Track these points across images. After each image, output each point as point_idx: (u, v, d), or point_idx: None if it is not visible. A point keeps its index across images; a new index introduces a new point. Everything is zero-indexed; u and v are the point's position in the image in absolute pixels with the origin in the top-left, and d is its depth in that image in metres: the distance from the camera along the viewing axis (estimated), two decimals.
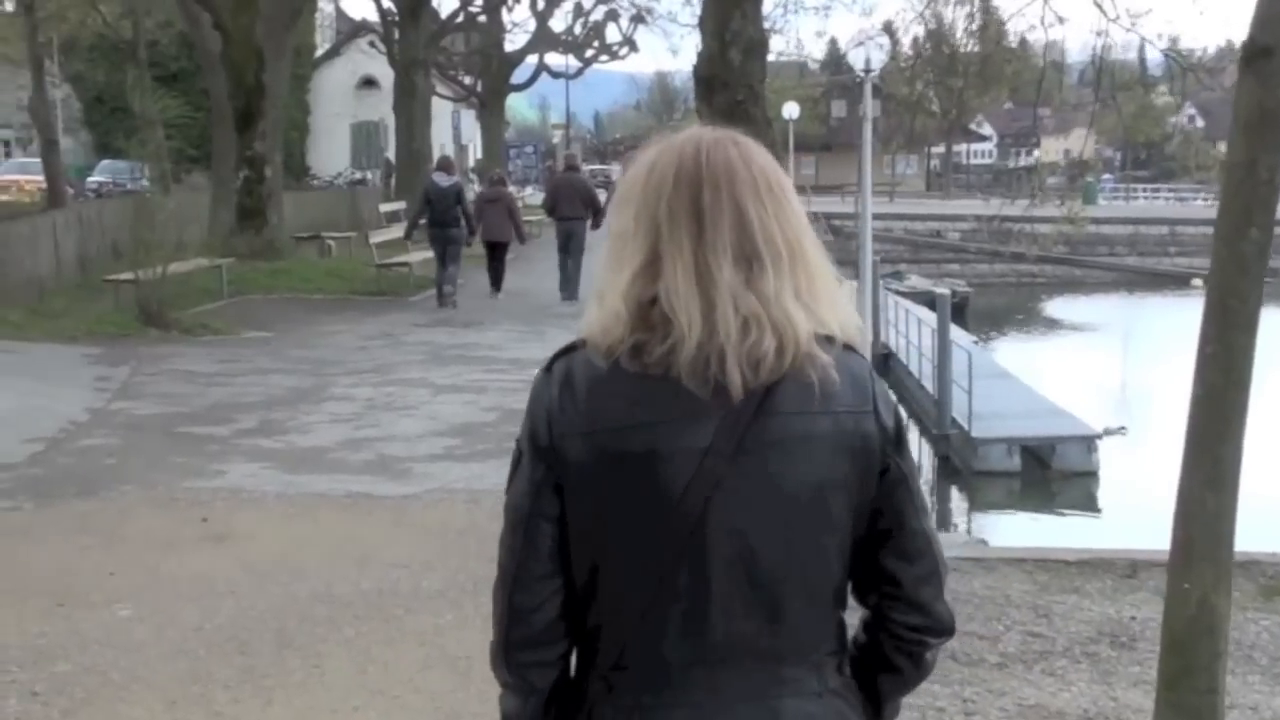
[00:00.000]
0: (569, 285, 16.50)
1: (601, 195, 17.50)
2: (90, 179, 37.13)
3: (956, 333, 17.49)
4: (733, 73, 6.23)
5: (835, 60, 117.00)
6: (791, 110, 39.25)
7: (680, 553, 1.54)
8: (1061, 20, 12.63)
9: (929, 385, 17.79)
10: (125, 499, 7.28)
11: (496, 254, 17.23)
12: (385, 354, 12.65)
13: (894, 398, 1.90)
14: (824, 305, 1.59)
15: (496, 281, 17.28)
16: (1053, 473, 15.65)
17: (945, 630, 1.66)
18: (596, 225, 16.28)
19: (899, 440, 1.62)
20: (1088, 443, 15.72)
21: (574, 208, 16.61)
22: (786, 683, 1.58)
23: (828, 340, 1.57)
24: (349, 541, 6.50)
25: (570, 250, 16.56)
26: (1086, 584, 6.46)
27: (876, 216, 50.22)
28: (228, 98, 17.99)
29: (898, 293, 26.57)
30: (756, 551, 1.55)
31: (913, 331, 20.93)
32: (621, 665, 1.59)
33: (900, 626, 1.64)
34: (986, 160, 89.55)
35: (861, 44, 15.10)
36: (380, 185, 35.36)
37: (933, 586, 1.64)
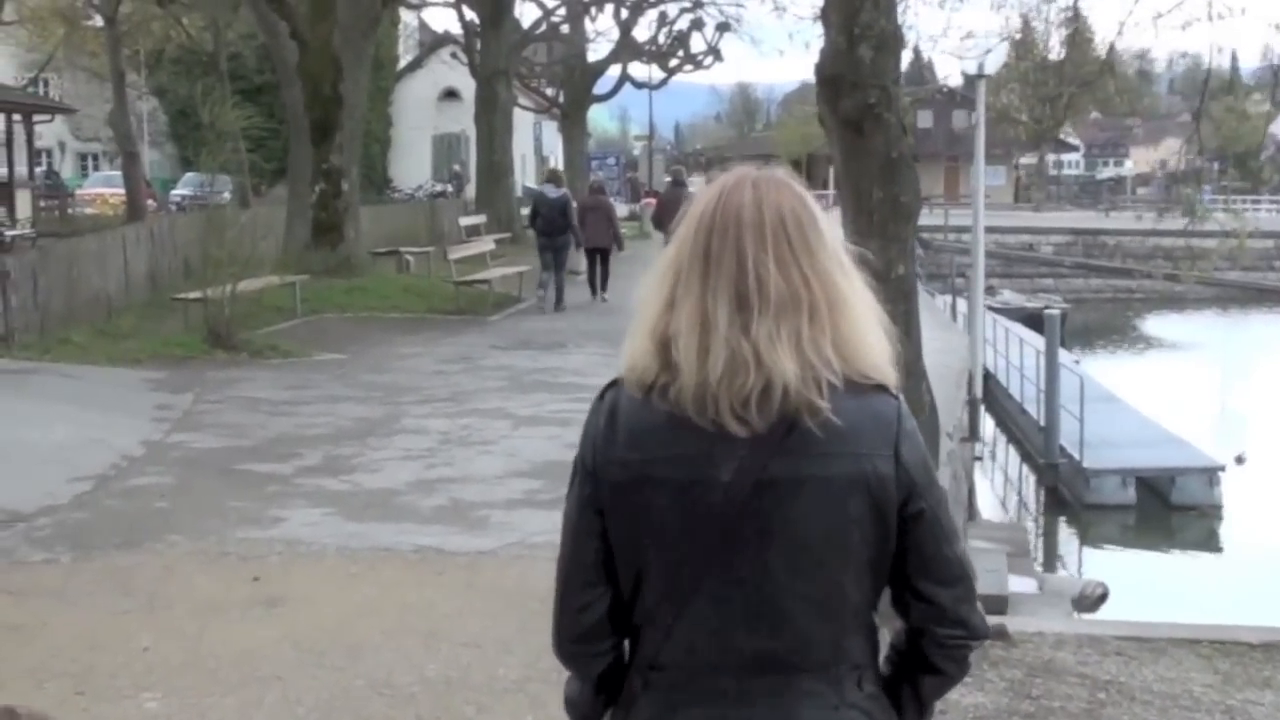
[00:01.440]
0: None
1: None
2: (174, 192, 37.19)
3: (1062, 354, 16.50)
4: (863, 72, 5.32)
5: (918, 70, 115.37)
6: None
7: (702, 573, 1.67)
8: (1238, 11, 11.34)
9: (1033, 410, 16.76)
10: (172, 552, 6.56)
11: (598, 259, 17.94)
12: (462, 380, 11.90)
13: (921, 438, 1.79)
14: (848, 346, 1.67)
15: (603, 283, 17.88)
16: (1172, 507, 14.59)
17: (984, 636, 1.79)
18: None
19: (927, 480, 1.71)
20: (1209, 475, 14.65)
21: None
22: (805, 694, 1.69)
23: (853, 383, 1.66)
24: (415, 610, 5.69)
25: None
26: (1278, 674, 5.47)
27: (964, 229, 48.91)
28: (304, 109, 17.44)
29: (993, 309, 25.45)
30: (774, 578, 1.67)
31: (1013, 352, 19.84)
32: (657, 665, 1.72)
33: (946, 639, 1.76)
34: (1074, 171, 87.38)
35: (976, 48, 14.11)
36: (452, 198, 34.89)
37: (969, 603, 1.76)
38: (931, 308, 21.23)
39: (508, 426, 9.75)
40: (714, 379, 1.64)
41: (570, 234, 17.02)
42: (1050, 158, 75.74)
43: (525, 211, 22.51)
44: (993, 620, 6.37)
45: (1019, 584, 9.81)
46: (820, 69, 5.82)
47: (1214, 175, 71.78)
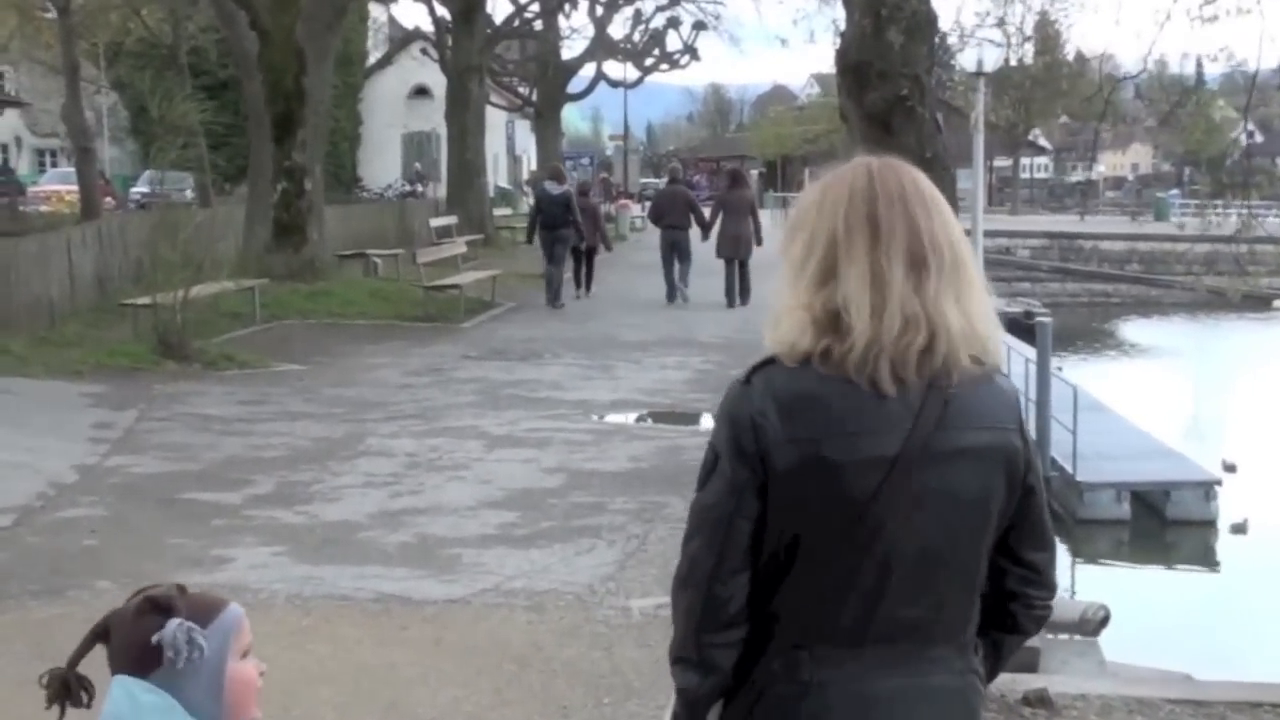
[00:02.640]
0: (680, 287, 17.95)
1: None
2: (134, 190, 36.08)
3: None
4: (892, 59, 4.58)
5: None
6: None
7: (866, 545, 1.72)
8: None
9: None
10: (99, 601, 5.72)
11: (585, 257, 18.57)
12: (432, 394, 11.09)
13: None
14: (978, 315, 1.77)
15: (587, 282, 18.65)
16: (1168, 522, 14.06)
17: (1056, 593, 1.94)
18: (705, 236, 17.79)
19: (1033, 455, 1.83)
20: (1206, 489, 14.11)
21: (679, 217, 17.89)
22: (936, 661, 1.78)
23: (979, 363, 1.76)
24: (374, 675, 4.91)
25: (678, 257, 17.95)
26: None
27: None
28: (265, 104, 16.55)
29: None
30: (929, 549, 1.75)
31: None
32: (800, 644, 1.76)
33: (1037, 600, 1.90)
34: (1043, 174, 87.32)
35: (976, 44, 13.41)
36: (422, 198, 34.00)
37: (1054, 564, 1.93)
38: None
39: (480, 448, 8.96)
40: (888, 336, 1.70)
41: (572, 229, 17.51)
42: (1024, 161, 75.52)
43: (500, 211, 22.00)
44: (1030, 680, 5.65)
45: None
46: (842, 56, 5.05)
47: (1185, 180, 71.96)
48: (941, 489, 1.72)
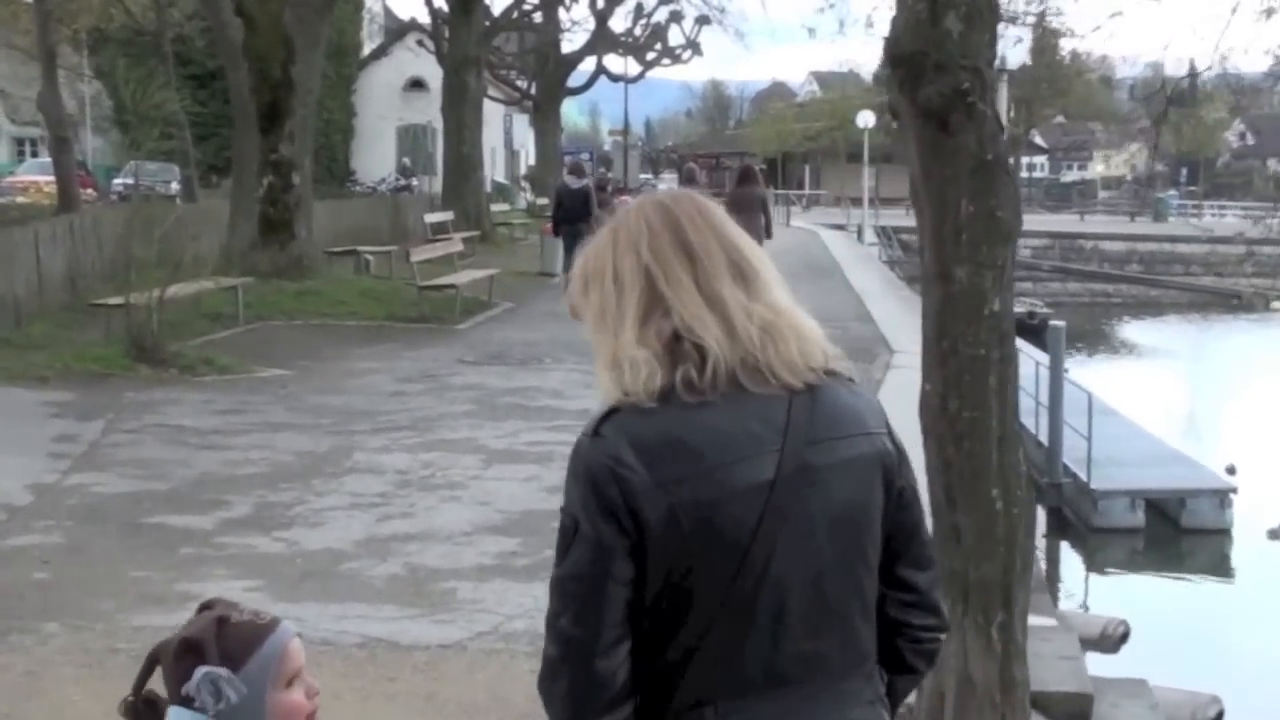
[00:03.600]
0: None
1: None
2: (116, 181, 35.26)
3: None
4: (950, 49, 3.83)
5: (887, 70, 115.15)
6: (867, 119, 36.65)
7: (758, 582, 1.59)
8: None
9: (1031, 425, 15.61)
10: (44, 648, 5.03)
11: None
12: (425, 402, 10.36)
13: None
14: (814, 323, 1.71)
15: None
16: (1182, 530, 13.53)
17: (947, 626, 1.82)
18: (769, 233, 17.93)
19: (905, 458, 1.72)
20: (1221, 496, 13.64)
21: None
22: (848, 695, 1.66)
23: (831, 372, 1.69)
24: None
25: None
26: None
27: None
28: (251, 94, 15.77)
29: None
30: (825, 574, 1.63)
31: None
32: (702, 701, 1.61)
33: (920, 630, 1.74)
34: (1039, 174, 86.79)
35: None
36: (416, 192, 33.26)
37: (938, 590, 1.77)
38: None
39: (478, 463, 8.24)
40: (750, 346, 1.62)
41: (590, 222, 17.63)
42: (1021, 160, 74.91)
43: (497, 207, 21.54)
44: None
45: (1037, 622, 8.65)
46: (893, 45, 4.35)
47: (1181, 181, 71.36)
48: (826, 508, 1.63)
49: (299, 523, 6.83)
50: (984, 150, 4.36)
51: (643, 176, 57.29)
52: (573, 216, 18.09)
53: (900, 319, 17.44)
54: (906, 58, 4.34)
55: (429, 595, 5.75)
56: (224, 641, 1.68)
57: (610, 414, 1.62)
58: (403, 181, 39.34)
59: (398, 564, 6.18)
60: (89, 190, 30.14)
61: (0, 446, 8.11)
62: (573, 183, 18.91)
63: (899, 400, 11.07)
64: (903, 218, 50.55)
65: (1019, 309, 27.41)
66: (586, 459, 1.61)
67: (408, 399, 10.48)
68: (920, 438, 4.18)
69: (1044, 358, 15.33)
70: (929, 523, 1.75)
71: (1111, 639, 9.56)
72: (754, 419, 1.60)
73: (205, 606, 1.75)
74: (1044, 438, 14.47)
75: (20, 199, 31.59)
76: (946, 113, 4.30)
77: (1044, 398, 14.32)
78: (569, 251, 17.83)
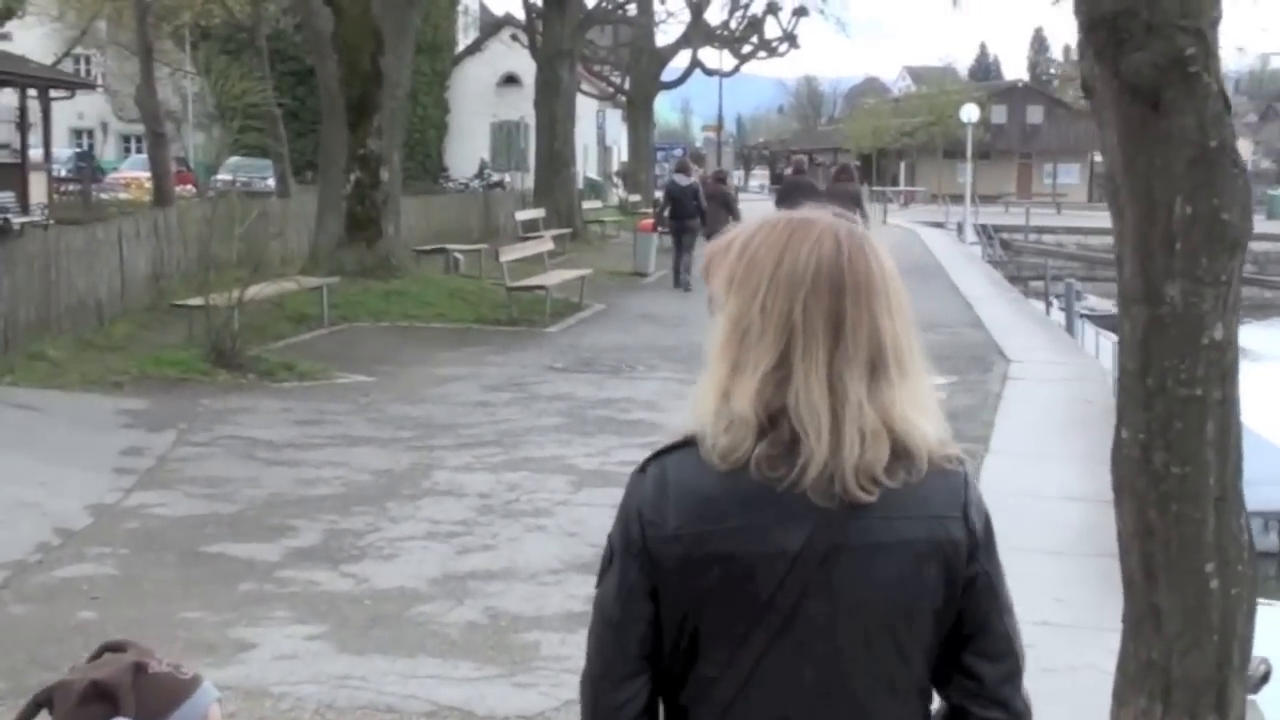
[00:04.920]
0: None
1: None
2: (216, 177, 35.36)
3: None
4: (1165, 5, 2.95)
5: (984, 66, 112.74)
6: (971, 113, 35.45)
7: (770, 648, 1.55)
8: None
9: None
10: None
11: None
12: (511, 414, 9.74)
13: (986, 504, 1.64)
14: (930, 413, 1.61)
15: None
16: None
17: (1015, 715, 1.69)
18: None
19: (989, 545, 1.64)
20: None
21: (801, 203, 19.17)
22: None
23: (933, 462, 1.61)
24: None
25: None
26: None
27: (1045, 229, 46.12)
28: (339, 86, 15.32)
29: (1086, 317, 22.99)
30: (842, 650, 1.57)
31: (1113, 365, 17.53)
32: None
33: None
34: None
35: None
36: (481, 193, 32.87)
37: (1013, 684, 1.67)
38: (1042, 321, 18.72)
39: (566, 486, 7.60)
40: (849, 455, 1.53)
41: (700, 218, 18.44)
42: None
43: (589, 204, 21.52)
44: None
45: None
46: (1091, 7, 3.49)
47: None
48: (853, 588, 1.55)
49: (371, 554, 6.24)
50: (1206, 135, 3.51)
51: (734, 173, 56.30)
52: (682, 214, 18.67)
53: (1013, 323, 16.46)
54: (1108, 18, 3.51)
55: (509, 649, 5.11)
56: (142, 692, 1.47)
57: (663, 452, 1.59)
58: (495, 178, 38.99)
59: (476, 608, 5.54)
60: (188, 186, 30.22)
61: (66, 459, 7.64)
62: (681, 180, 19.17)
63: (1022, 414, 10.13)
64: (1002, 215, 49.18)
65: (1115, 310, 25.95)
66: (627, 493, 1.60)
67: (493, 410, 9.88)
68: (1110, 494, 3.43)
69: None
70: (1021, 611, 1.66)
71: (1252, 679, 8.64)
72: (781, 485, 1.53)
73: (114, 648, 1.56)
74: None
75: (123, 195, 31.85)
76: (1159, 87, 3.45)
77: None
78: (681, 249, 18.57)
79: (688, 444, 1.57)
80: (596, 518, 6.89)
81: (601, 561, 1.63)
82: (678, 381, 11.30)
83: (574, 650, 5.08)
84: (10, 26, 34.27)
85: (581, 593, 5.72)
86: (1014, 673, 1.66)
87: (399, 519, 6.84)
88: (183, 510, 6.85)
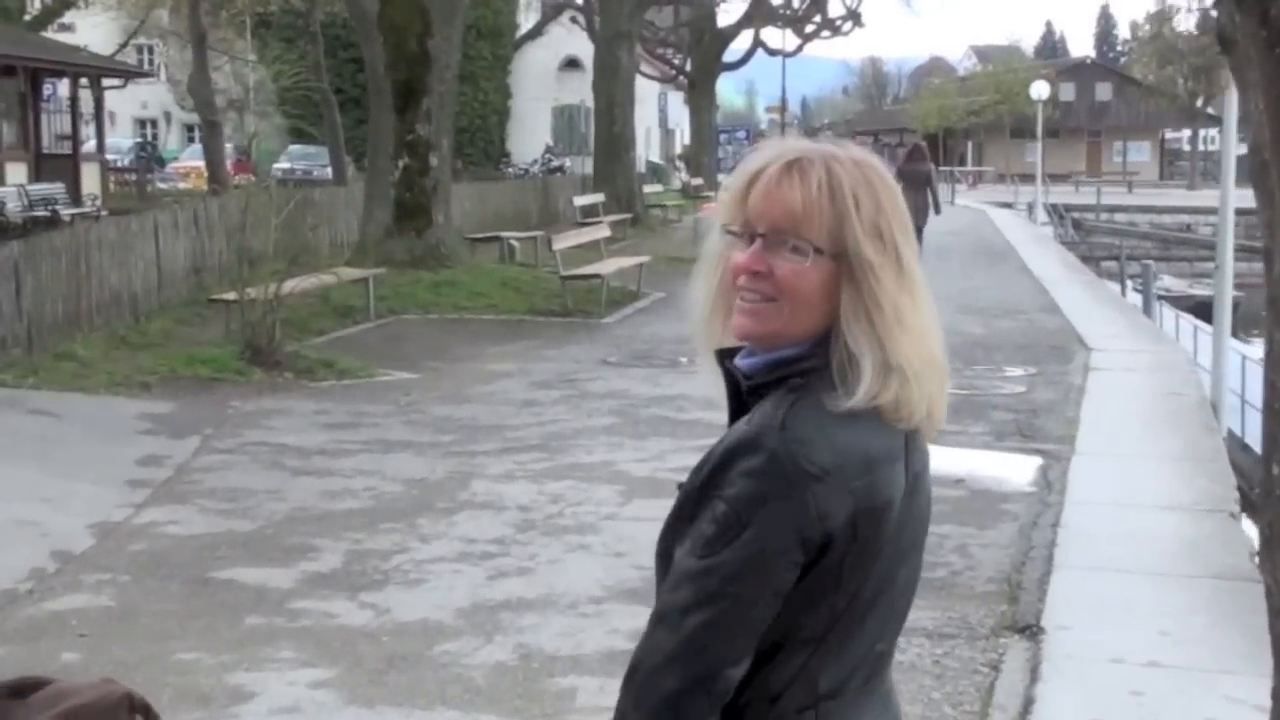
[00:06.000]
0: None
1: None
2: (276, 165, 35.17)
3: (1244, 348, 13.31)
4: None
5: (1050, 44, 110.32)
6: (1041, 90, 34.30)
7: (882, 583, 1.53)
8: None
9: (1236, 426, 13.58)
10: None
11: None
12: (560, 414, 9.12)
13: None
14: None
15: None
16: None
17: None
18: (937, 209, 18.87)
19: None
20: None
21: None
22: (890, 684, 1.63)
23: None
24: None
25: None
26: None
27: (1117, 209, 44.77)
28: (386, 70, 14.78)
29: (1164, 298, 21.87)
30: (913, 581, 1.60)
31: (1202, 355, 16.50)
32: (806, 707, 1.51)
33: None
34: (1212, 146, 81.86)
35: None
36: (548, 173, 32.35)
37: None
38: (1121, 305, 17.77)
39: (615, 497, 6.96)
40: (938, 389, 1.56)
41: None
42: (1187, 133, 70.85)
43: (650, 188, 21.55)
44: None
45: None
46: None
47: None
48: (923, 513, 1.60)
49: (394, 580, 5.64)
50: None
51: None
52: None
53: (1090, 308, 15.57)
54: None
55: (540, 698, 4.48)
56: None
57: (798, 404, 1.47)
58: (555, 163, 38.47)
59: (506, 645, 4.92)
60: (247, 175, 30.01)
61: (77, 471, 7.13)
62: None
63: (1107, 410, 9.30)
64: (1072, 195, 47.84)
65: (1205, 291, 24.53)
66: (774, 454, 1.44)
67: (541, 410, 9.26)
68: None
69: (1249, 349, 13.42)
70: None
71: None
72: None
73: (32, 686, 1.37)
74: (1253, 440, 12.53)
75: (181, 184, 31.74)
76: None
77: (1252, 394, 12.41)
78: None
79: (802, 401, 1.48)
80: (646, 534, 6.22)
81: (718, 529, 1.45)
82: None
83: (614, 700, 4.46)
84: (74, 17, 34.31)
85: (625, 626, 5.08)
86: None
87: (429, 537, 6.24)
88: (196, 528, 6.30)
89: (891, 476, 1.49)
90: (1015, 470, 7.58)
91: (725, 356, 1.57)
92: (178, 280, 12.23)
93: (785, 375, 1.49)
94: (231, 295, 10.42)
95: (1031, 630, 4.93)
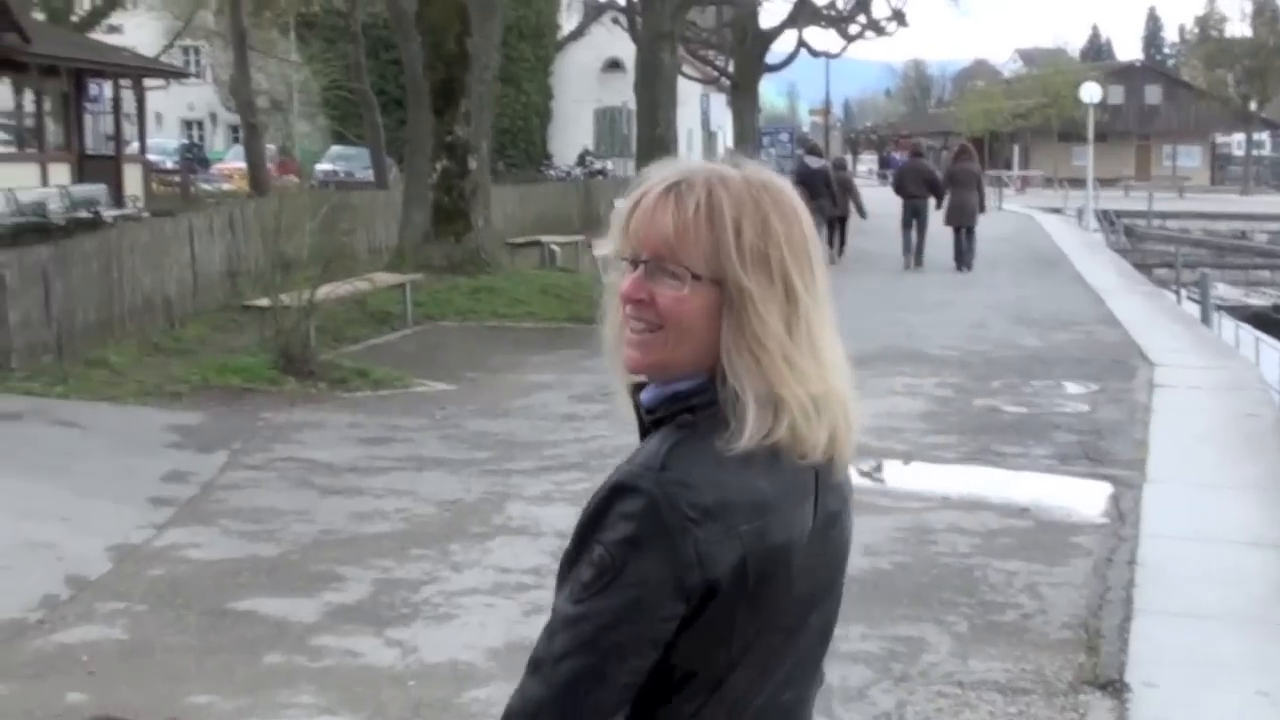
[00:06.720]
0: (917, 253, 19.68)
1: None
2: (319, 166, 35.09)
3: None
4: None
5: (1096, 47, 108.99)
6: (1093, 93, 33.60)
7: (790, 629, 1.47)
8: None
9: None
10: None
11: (839, 225, 20.57)
12: (600, 430, 8.75)
13: None
14: None
15: (840, 246, 20.53)
16: None
17: None
18: (939, 205, 19.93)
19: None
20: None
21: (919, 188, 19.77)
22: None
23: None
24: None
25: (918, 225, 19.77)
26: None
27: (1169, 215, 43.91)
28: (424, 70, 14.50)
29: (1223, 308, 21.21)
30: (828, 627, 1.54)
31: (1266, 368, 15.89)
32: None
33: None
34: (1263, 152, 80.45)
35: None
36: (582, 181, 32.01)
37: None
38: (1182, 316, 17.14)
39: None
40: (846, 421, 1.49)
41: (830, 200, 19.39)
42: (1238, 138, 69.67)
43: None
44: None
45: None
46: None
47: None
48: (838, 554, 1.52)
49: (423, 614, 5.30)
50: None
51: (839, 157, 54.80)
52: (814, 196, 19.21)
53: (1150, 319, 14.96)
54: None
55: None
56: None
57: (680, 444, 1.40)
58: (596, 165, 38.19)
59: None
60: (291, 176, 29.93)
61: (99, 489, 6.86)
62: (813, 163, 20.20)
63: (1177, 431, 8.76)
64: (1122, 200, 46.93)
65: (1260, 300, 23.62)
66: (652, 497, 1.37)
67: (580, 425, 8.91)
68: None
69: None
70: None
71: None
72: (800, 462, 1.44)
73: None
74: None
75: (225, 186, 31.72)
76: None
77: None
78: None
79: (683, 442, 1.40)
80: None
81: (593, 573, 1.40)
82: None
83: None
84: (121, 18, 34.42)
85: None
86: None
87: (462, 566, 5.90)
88: (218, 552, 6.00)
89: (790, 518, 1.43)
90: (1084, 498, 7.14)
91: (638, 390, 1.51)
92: (213, 284, 12.00)
93: (679, 410, 1.42)
94: (265, 301, 10.16)
95: (1115, 687, 4.50)
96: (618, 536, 1.37)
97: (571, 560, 1.42)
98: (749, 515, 1.38)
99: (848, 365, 1.48)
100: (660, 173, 1.46)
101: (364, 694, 4.52)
